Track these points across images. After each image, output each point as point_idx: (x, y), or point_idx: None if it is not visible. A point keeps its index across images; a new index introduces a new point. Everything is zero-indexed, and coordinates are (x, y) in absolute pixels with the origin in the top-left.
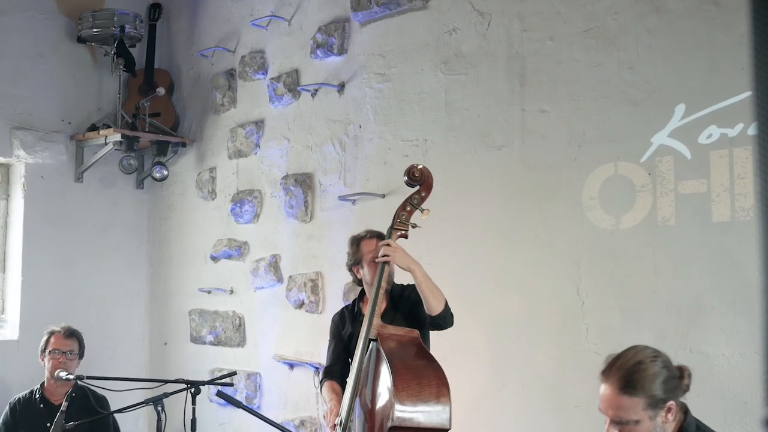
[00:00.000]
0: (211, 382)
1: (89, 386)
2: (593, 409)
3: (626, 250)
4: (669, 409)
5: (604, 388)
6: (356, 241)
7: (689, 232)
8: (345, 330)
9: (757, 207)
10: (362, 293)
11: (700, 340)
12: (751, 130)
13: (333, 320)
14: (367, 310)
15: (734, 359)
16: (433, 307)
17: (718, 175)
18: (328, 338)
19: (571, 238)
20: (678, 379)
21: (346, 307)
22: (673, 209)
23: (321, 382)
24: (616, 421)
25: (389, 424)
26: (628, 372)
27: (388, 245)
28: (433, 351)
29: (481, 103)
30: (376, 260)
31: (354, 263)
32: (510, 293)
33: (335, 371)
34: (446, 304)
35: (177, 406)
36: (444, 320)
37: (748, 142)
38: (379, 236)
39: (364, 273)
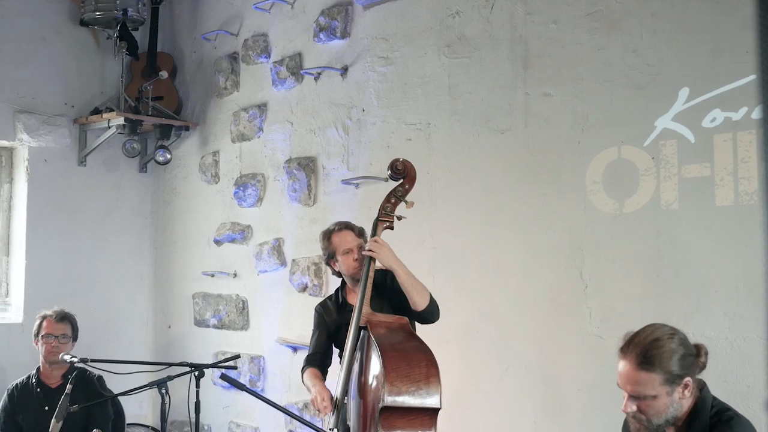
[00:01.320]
0: (215, 365)
1: (84, 366)
2: (596, 393)
3: (629, 234)
4: (686, 386)
5: (622, 365)
6: (327, 236)
7: (692, 216)
8: (332, 320)
9: (761, 191)
10: (343, 282)
11: (703, 324)
12: (756, 114)
13: (316, 310)
14: (353, 299)
15: (737, 343)
16: (418, 304)
17: (722, 159)
18: (312, 327)
19: (575, 222)
20: (695, 356)
21: (329, 297)
22: (676, 193)
23: (303, 369)
24: (634, 396)
25: (380, 405)
26: (646, 348)
27: (375, 241)
28: (436, 335)
29: (484, 87)
30: (363, 253)
31: (329, 257)
32: (513, 277)
33: (317, 359)
34: (431, 298)
35: (181, 389)
36: (430, 314)
37: (752, 126)
38: (348, 226)
39: (340, 265)
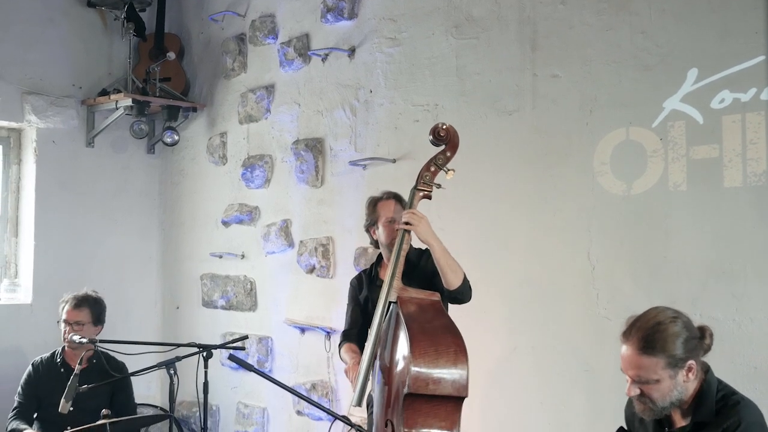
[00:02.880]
0: (223, 346)
1: (107, 351)
2: (603, 373)
3: (637, 215)
4: (690, 369)
5: (624, 349)
6: (373, 203)
7: (701, 198)
8: (362, 294)
9: None
10: (380, 257)
11: (710, 306)
12: (765, 95)
13: (351, 284)
14: (384, 274)
15: (744, 324)
16: (451, 282)
17: (731, 140)
18: (347, 302)
19: (582, 204)
20: (698, 339)
21: (364, 271)
22: (684, 174)
23: (339, 345)
24: (636, 381)
25: (405, 391)
26: (648, 333)
27: (413, 213)
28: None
29: (492, 68)
30: (398, 227)
31: (370, 224)
32: (520, 258)
33: (353, 334)
34: (465, 278)
35: (189, 369)
36: (462, 294)
37: (761, 107)
38: (396, 197)
39: (380, 234)
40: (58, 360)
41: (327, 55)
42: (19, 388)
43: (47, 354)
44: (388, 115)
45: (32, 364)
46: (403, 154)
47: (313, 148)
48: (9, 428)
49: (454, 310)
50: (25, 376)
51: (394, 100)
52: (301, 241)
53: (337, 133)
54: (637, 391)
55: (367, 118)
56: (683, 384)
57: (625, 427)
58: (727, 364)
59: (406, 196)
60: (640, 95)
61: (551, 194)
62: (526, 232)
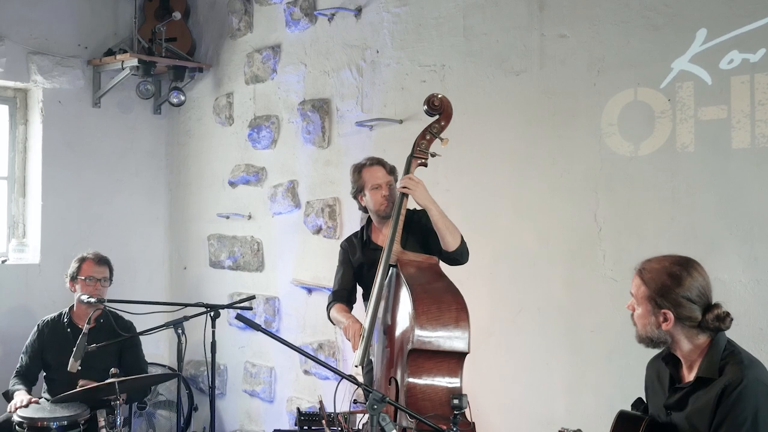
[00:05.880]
0: (230, 306)
1: (116, 311)
2: (609, 335)
3: (644, 176)
4: (665, 318)
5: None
6: (358, 169)
7: (708, 159)
8: (355, 257)
9: None
10: (369, 220)
11: (717, 267)
12: None
13: (342, 247)
14: (378, 238)
15: (750, 286)
16: (449, 244)
17: (739, 101)
18: (337, 264)
19: (589, 165)
20: (694, 304)
21: (354, 234)
22: (692, 136)
23: (329, 306)
24: (632, 296)
25: (409, 347)
26: (651, 262)
27: (411, 178)
28: (449, 276)
29: (499, 28)
30: (397, 190)
31: (357, 191)
32: (527, 219)
33: (343, 295)
34: (462, 239)
35: (197, 329)
36: (460, 255)
37: None
38: (380, 162)
39: (367, 200)
40: (65, 320)
41: (333, 14)
42: (24, 349)
43: (54, 314)
44: (394, 76)
45: (38, 325)
46: (410, 114)
47: (320, 108)
48: (9, 387)
49: (460, 272)
50: (30, 337)
51: (401, 60)
52: (307, 202)
53: (344, 93)
54: (630, 309)
55: (373, 79)
56: (658, 327)
57: (644, 390)
58: (733, 326)
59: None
60: (649, 56)
61: (558, 155)
62: (533, 193)
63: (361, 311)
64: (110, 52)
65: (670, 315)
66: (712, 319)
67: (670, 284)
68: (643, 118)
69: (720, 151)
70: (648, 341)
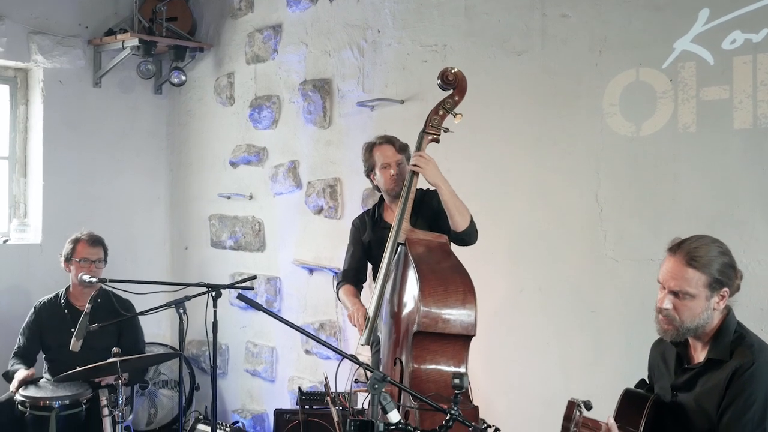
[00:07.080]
0: (232, 286)
1: (114, 290)
2: (610, 315)
3: (646, 157)
4: (722, 296)
5: (670, 261)
6: (369, 148)
7: (710, 139)
8: (365, 236)
9: None
10: (381, 199)
11: None
12: None
13: (353, 224)
14: (390, 217)
15: (752, 266)
16: (458, 224)
17: (741, 82)
18: (348, 242)
19: (591, 145)
20: (734, 271)
21: (366, 212)
22: (694, 116)
23: (338, 285)
24: (674, 292)
25: (414, 329)
26: (696, 248)
27: (421, 156)
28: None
29: (501, 8)
30: (408, 168)
31: (369, 170)
32: (528, 199)
33: (351, 275)
34: (471, 220)
35: (198, 309)
36: (469, 236)
37: None
38: (391, 141)
39: (378, 179)
40: (62, 301)
41: None
42: (21, 330)
43: (50, 296)
44: (396, 56)
45: (35, 306)
46: (411, 95)
47: (321, 88)
48: (8, 368)
49: (461, 252)
50: (27, 318)
51: (402, 40)
52: (308, 182)
53: (345, 73)
54: (669, 306)
55: (374, 59)
56: (712, 311)
57: (647, 373)
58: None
59: (413, 139)
60: (651, 36)
61: (560, 135)
62: (535, 173)
63: (370, 289)
64: (111, 32)
65: (726, 291)
66: (740, 278)
67: (728, 260)
68: (645, 99)
69: (722, 131)
70: (692, 331)
